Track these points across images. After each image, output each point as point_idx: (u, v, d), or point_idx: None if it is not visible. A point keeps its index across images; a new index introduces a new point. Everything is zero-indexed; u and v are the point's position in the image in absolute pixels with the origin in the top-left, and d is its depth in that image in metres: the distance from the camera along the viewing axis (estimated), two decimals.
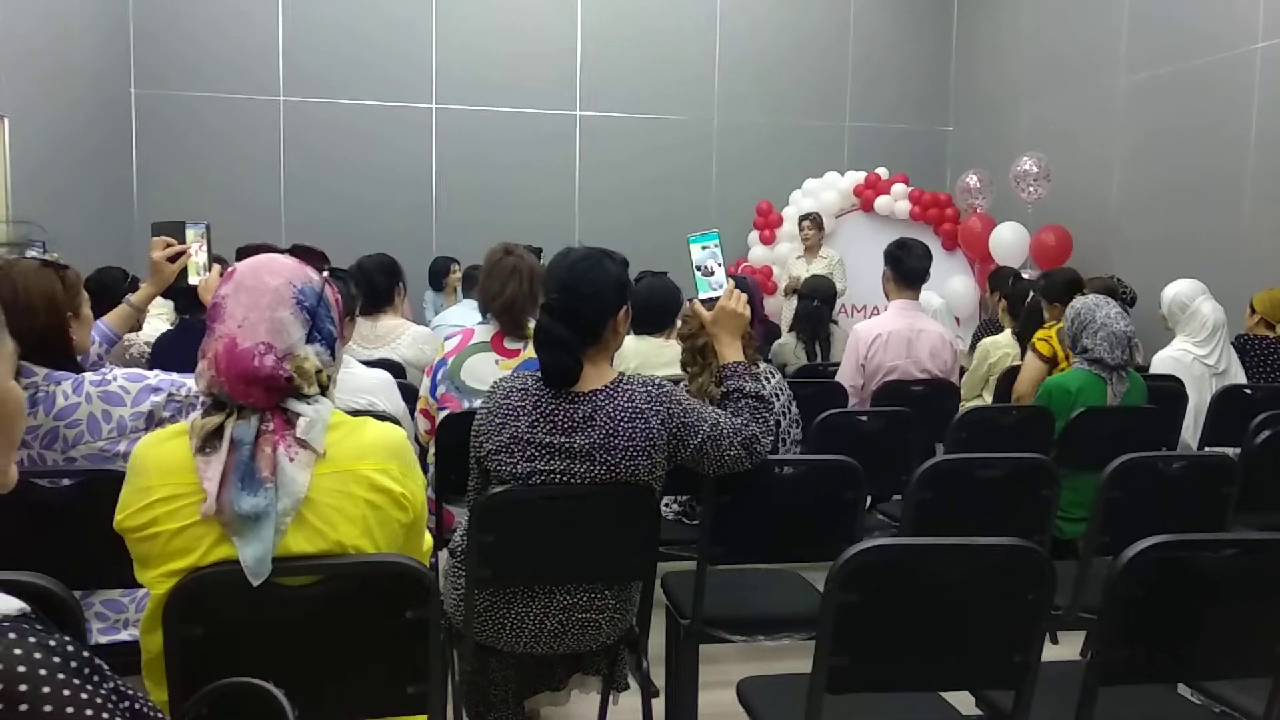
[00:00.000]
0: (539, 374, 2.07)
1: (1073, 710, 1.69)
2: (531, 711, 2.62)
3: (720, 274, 2.31)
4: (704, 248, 2.30)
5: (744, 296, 2.30)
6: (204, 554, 1.38)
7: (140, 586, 2.12)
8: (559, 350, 2.00)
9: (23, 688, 0.68)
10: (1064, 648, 3.11)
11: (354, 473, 1.44)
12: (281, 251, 1.57)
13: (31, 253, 2.30)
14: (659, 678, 2.76)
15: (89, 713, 0.71)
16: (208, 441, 1.38)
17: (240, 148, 7.94)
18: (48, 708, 0.69)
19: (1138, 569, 1.58)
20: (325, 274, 1.51)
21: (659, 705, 2.79)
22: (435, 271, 7.44)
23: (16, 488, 1.96)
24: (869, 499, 4.12)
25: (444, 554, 2.66)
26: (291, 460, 1.39)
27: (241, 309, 1.42)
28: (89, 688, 0.72)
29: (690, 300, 2.40)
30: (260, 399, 1.40)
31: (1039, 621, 1.61)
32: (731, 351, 2.27)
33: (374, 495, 1.46)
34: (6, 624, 0.72)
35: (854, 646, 1.57)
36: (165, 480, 1.39)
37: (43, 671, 0.70)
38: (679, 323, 3.33)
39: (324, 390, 1.48)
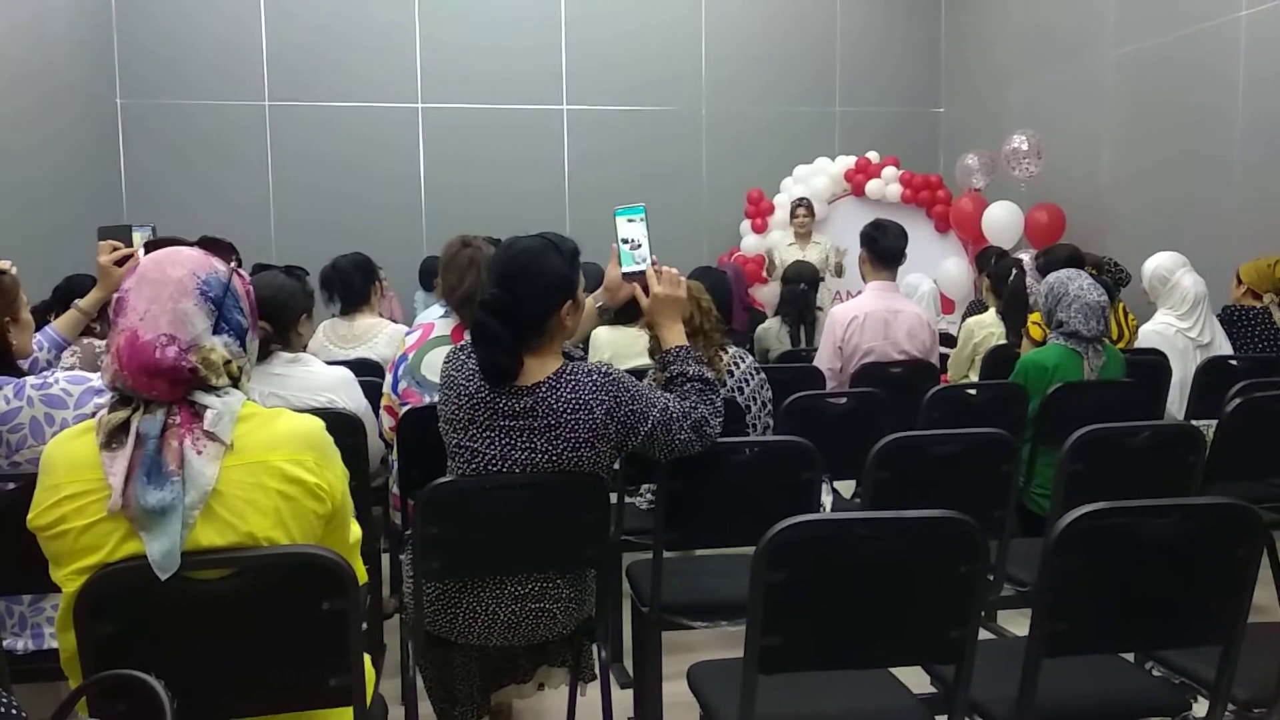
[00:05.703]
0: None
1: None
2: (502, 705, 2.60)
3: (645, 248, 2.25)
4: (630, 220, 2.25)
5: (680, 279, 2.26)
6: (112, 550, 1.37)
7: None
8: (494, 349, 1.97)
9: None
10: None
11: (265, 464, 1.43)
12: (189, 244, 1.56)
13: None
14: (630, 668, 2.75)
15: None
16: (114, 436, 1.37)
17: (227, 153, 7.93)
18: None
19: (1073, 539, 1.55)
20: (233, 265, 1.49)
21: (630, 695, 2.78)
22: (426, 271, 7.38)
23: None
24: (854, 483, 4.09)
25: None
26: (199, 453, 1.38)
27: (144, 301, 1.41)
28: None
29: (623, 275, 2.28)
30: (164, 392, 1.39)
31: (974, 594, 1.58)
32: (672, 335, 2.23)
33: (287, 486, 1.44)
34: None
35: (785, 626, 1.54)
36: (72, 477, 1.38)
37: None
38: None
39: (235, 382, 1.46)
